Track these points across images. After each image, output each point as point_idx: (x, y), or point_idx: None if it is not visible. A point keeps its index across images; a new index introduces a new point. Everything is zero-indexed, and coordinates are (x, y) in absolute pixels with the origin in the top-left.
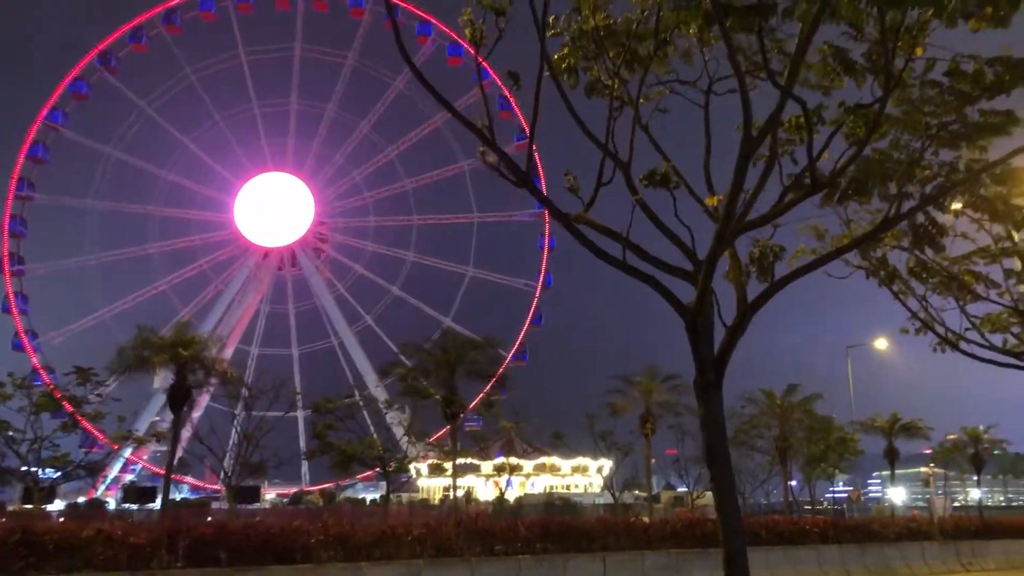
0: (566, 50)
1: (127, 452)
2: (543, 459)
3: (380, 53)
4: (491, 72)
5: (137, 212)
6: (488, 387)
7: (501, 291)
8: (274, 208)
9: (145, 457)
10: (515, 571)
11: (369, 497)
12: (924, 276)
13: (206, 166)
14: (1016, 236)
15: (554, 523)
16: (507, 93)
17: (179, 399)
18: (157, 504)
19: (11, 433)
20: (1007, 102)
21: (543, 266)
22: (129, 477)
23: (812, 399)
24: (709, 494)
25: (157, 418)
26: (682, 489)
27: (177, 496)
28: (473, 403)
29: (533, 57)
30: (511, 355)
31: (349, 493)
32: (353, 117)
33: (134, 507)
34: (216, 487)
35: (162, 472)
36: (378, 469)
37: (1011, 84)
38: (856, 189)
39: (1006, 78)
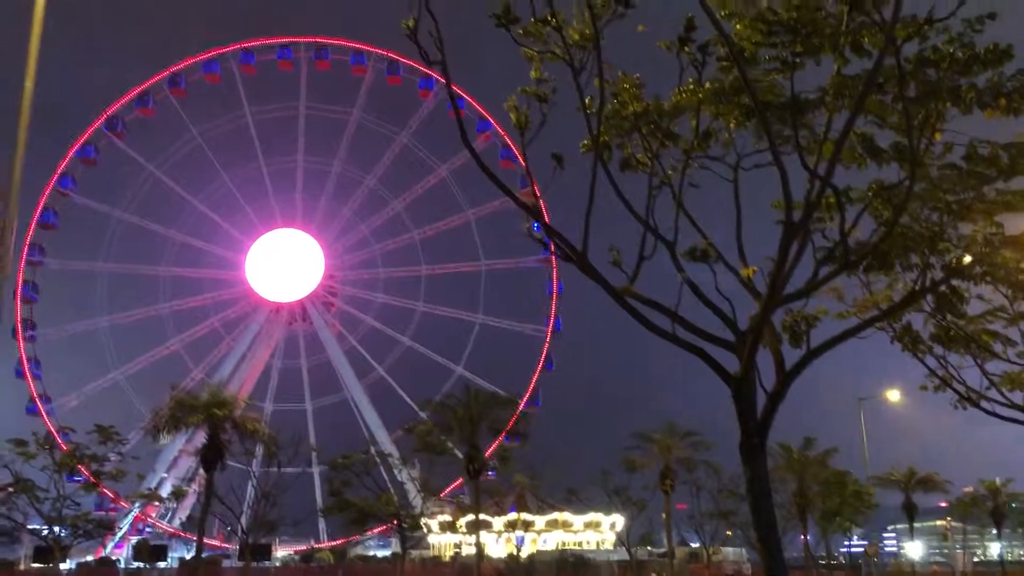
0: (599, 131)
1: (135, 510)
2: (555, 515)
3: (383, 108)
4: (492, 121)
5: (147, 273)
6: (503, 436)
7: (511, 338)
8: (284, 263)
9: (154, 515)
10: None
11: (380, 554)
12: (946, 341)
13: (215, 225)
14: None
15: None
16: (509, 141)
17: (212, 458)
18: (166, 563)
19: (36, 492)
20: (1020, 182)
21: (552, 311)
22: (135, 537)
23: (829, 453)
24: (725, 549)
25: (165, 475)
26: (695, 544)
27: (186, 555)
28: (488, 450)
29: (559, 134)
30: (524, 402)
31: (359, 550)
32: (359, 172)
33: (144, 565)
34: (225, 545)
35: (170, 530)
36: (393, 524)
37: None
38: (879, 262)
39: (1020, 162)
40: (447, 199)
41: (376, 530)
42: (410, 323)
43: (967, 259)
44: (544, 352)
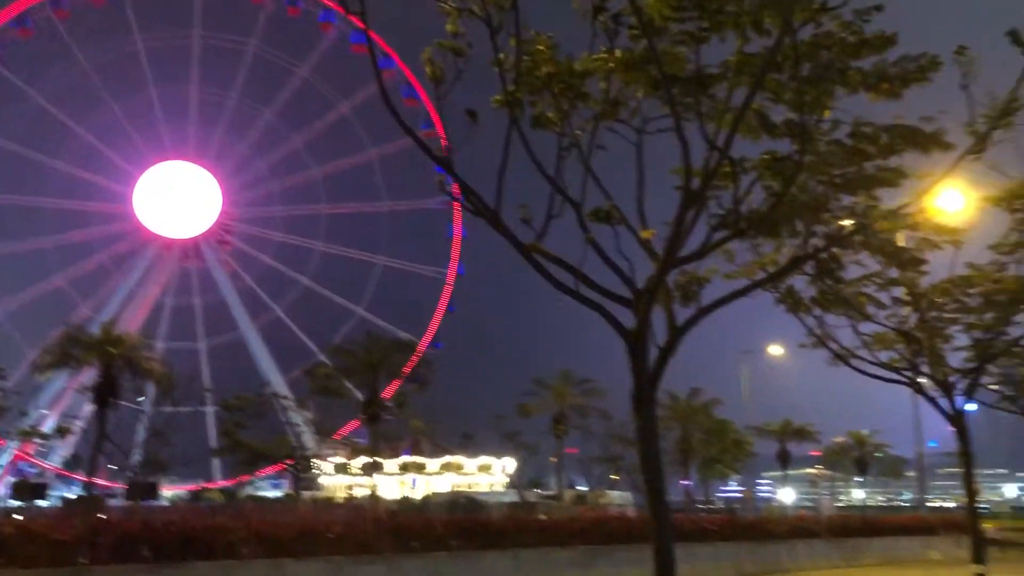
0: (513, 88)
1: (13, 448)
2: (449, 458)
3: (282, 40)
4: (395, 58)
5: (30, 205)
6: (402, 379)
7: (413, 280)
8: (177, 198)
9: (33, 453)
10: (432, 568)
11: (271, 495)
12: (824, 303)
13: (103, 156)
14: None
15: (469, 521)
16: (412, 80)
17: (105, 396)
18: (47, 502)
19: None
20: (897, 160)
21: (455, 254)
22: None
23: (713, 404)
24: (610, 492)
25: (47, 412)
26: (582, 488)
27: (68, 494)
28: (387, 392)
29: (474, 92)
30: (425, 343)
31: (250, 491)
32: (257, 105)
33: (23, 504)
34: (110, 484)
35: (51, 468)
36: (286, 465)
37: (901, 147)
38: (768, 229)
39: (898, 142)
40: (349, 137)
41: (268, 471)
42: (309, 263)
43: (847, 223)
44: (446, 295)
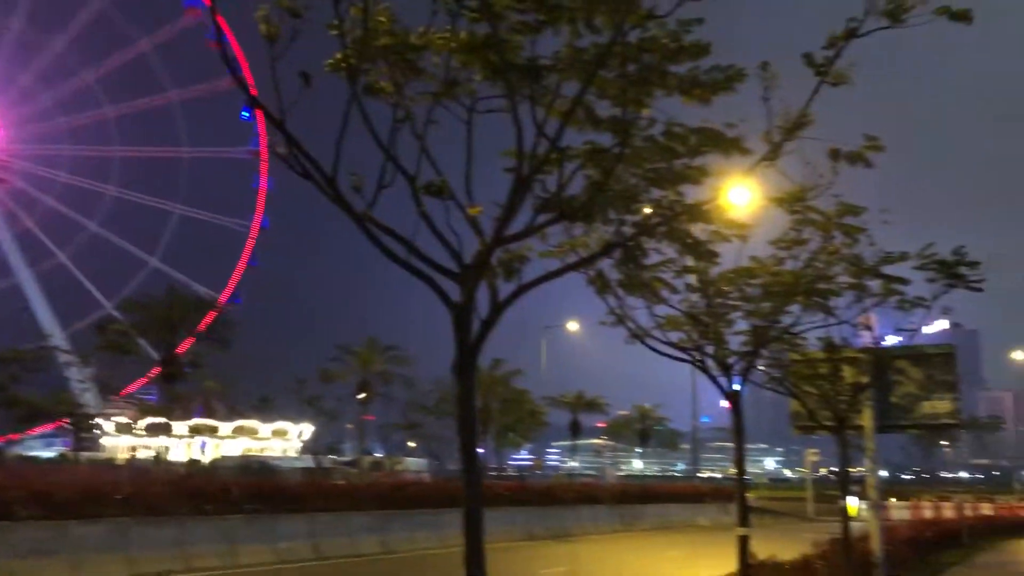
0: (347, 52)
1: None
2: (242, 422)
3: None
4: None
5: None
6: (198, 335)
7: (214, 231)
8: None
9: None
10: (225, 531)
11: (44, 455)
12: (627, 286)
13: None
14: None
15: (265, 485)
16: (220, 21)
17: None
18: None
19: None
20: (702, 160)
21: (260, 206)
22: None
23: (514, 374)
24: (407, 460)
25: None
26: (379, 454)
27: None
28: (181, 348)
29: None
30: (225, 297)
31: (19, 450)
32: (43, 34)
33: None
34: None
35: None
36: (64, 423)
37: (706, 149)
38: (585, 215)
39: (703, 144)
40: (149, 76)
41: (40, 429)
42: (99, 208)
43: (647, 210)
44: (248, 248)
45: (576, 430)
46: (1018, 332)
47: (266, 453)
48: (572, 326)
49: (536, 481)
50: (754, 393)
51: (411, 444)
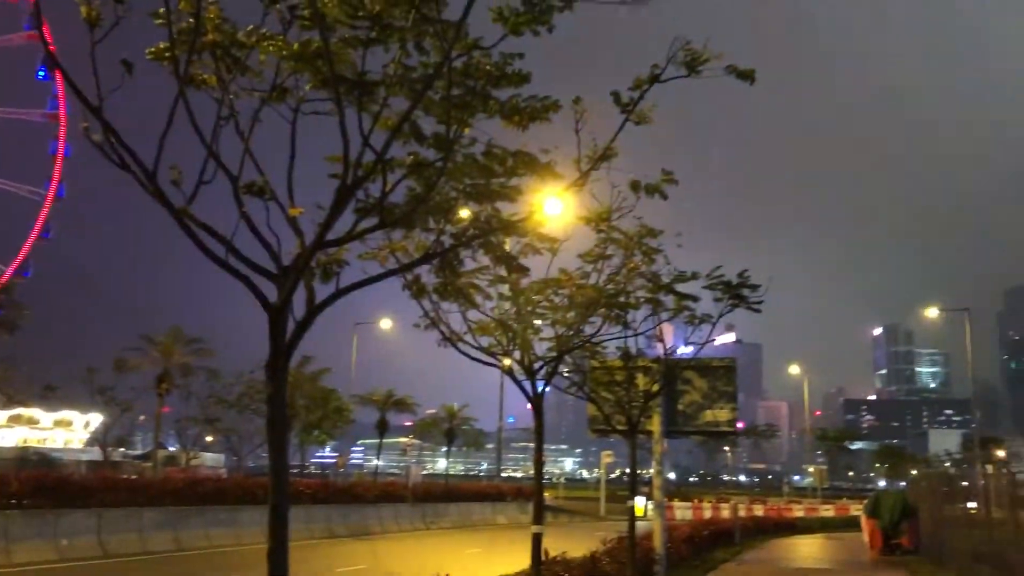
0: (171, 42)
1: None
2: (21, 410)
3: None
4: None
5: None
6: None
7: (3, 199)
8: None
9: None
10: (1, 527)
11: None
12: (442, 292)
13: None
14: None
15: (48, 478)
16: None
17: None
18: None
19: None
20: (518, 180)
21: (56, 174)
22: None
23: (322, 373)
24: (204, 454)
25: None
26: (173, 448)
27: None
28: None
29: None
30: (11, 270)
31: None
32: None
33: None
34: None
35: None
36: None
37: (522, 171)
38: (406, 223)
39: (519, 166)
40: None
41: None
42: None
43: (464, 213)
44: (41, 218)
45: (384, 429)
46: (796, 347)
47: (47, 444)
48: (385, 324)
49: (339, 479)
50: (557, 396)
51: (209, 439)
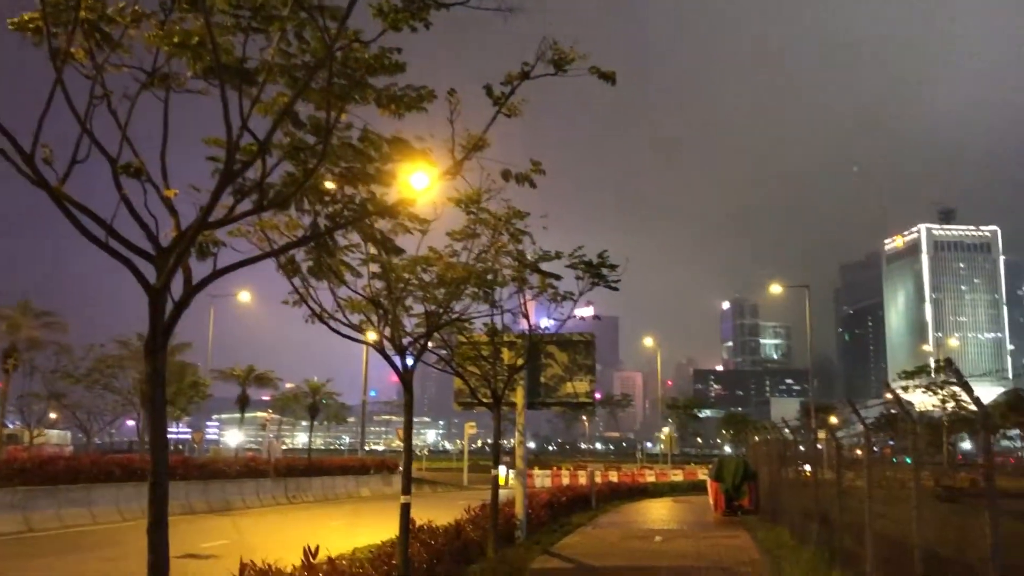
0: (38, 13)
1: None
2: None
3: None
4: None
5: None
6: None
7: None
8: None
9: None
10: None
11: None
12: (316, 272)
13: None
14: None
15: None
16: None
17: None
18: None
19: None
20: (393, 165)
21: None
22: None
23: (183, 347)
24: (49, 432)
25: None
26: (14, 425)
27: None
28: None
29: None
30: None
31: None
32: None
33: None
34: None
35: None
36: None
37: (397, 158)
38: (283, 205)
39: (394, 153)
40: None
41: None
42: None
43: (329, 185)
44: None
45: (244, 403)
46: (651, 320)
47: None
48: (244, 297)
49: (197, 455)
50: (421, 369)
51: (53, 416)
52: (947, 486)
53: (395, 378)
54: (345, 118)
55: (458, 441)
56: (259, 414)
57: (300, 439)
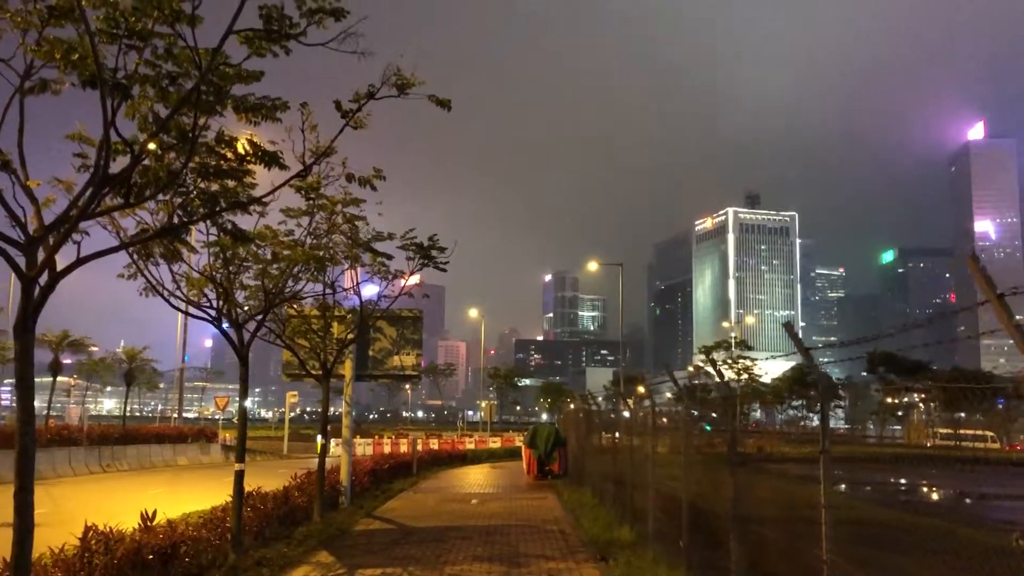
0: None
1: None
2: None
3: None
4: None
5: None
6: None
7: None
8: None
9: None
10: None
11: None
12: (170, 257)
13: None
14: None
15: None
16: None
17: None
18: None
19: None
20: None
21: None
22: None
23: None
24: None
25: None
26: None
27: None
28: None
29: None
30: None
31: None
32: None
33: None
34: None
35: None
36: None
37: (251, 159)
38: (136, 195)
39: (249, 155)
40: None
41: None
42: None
43: (152, 146)
44: None
45: (57, 369)
46: (476, 289)
47: None
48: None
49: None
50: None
51: None
52: (738, 452)
53: (207, 344)
54: (206, 122)
55: (276, 410)
56: (64, 379)
57: (105, 405)
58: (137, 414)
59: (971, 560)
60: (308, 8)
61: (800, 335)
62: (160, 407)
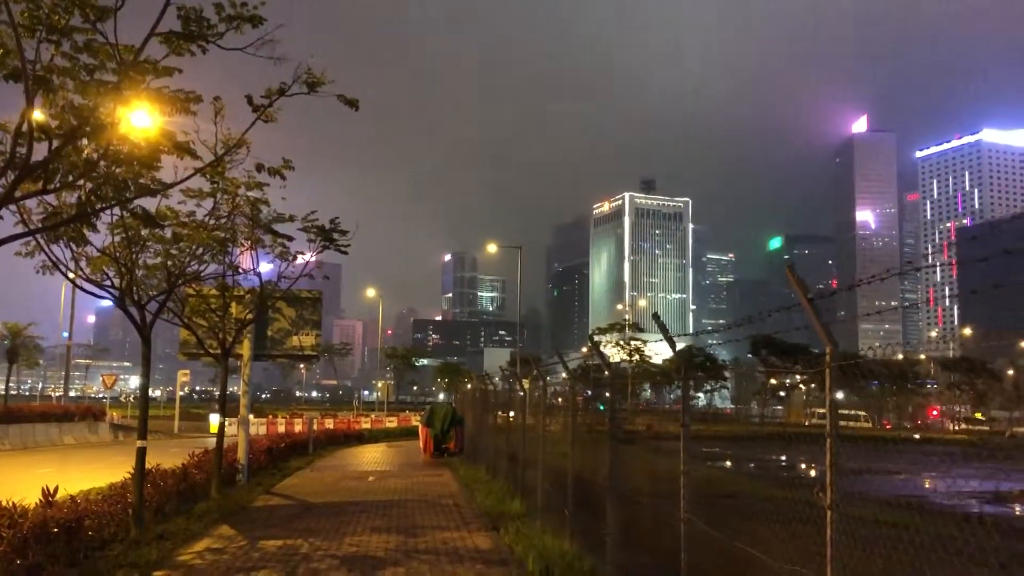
0: None
1: None
2: None
3: None
4: None
5: None
6: None
7: None
8: None
9: None
10: None
11: None
12: (76, 240)
13: None
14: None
15: None
16: None
17: None
18: None
19: None
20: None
21: None
22: None
23: None
24: None
25: None
26: None
27: None
28: None
29: None
30: None
31: None
32: None
33: None
34: None
35: None
36: None
37: (164, 148)
38: (52, 180)
39: (161, 144)
40: None
41: None
42: None
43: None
44: None
45: None
46: (374, 268)
47: None
48: None
49: None
50: (119, 314)
51: None
52: (628, 430)
53: (90, 319)
54: (118, 111)
55: (164, 388)
56: None
57: None
58: (14, 392)
59: (786, 514)
60: (227, 14)
61: (690, 317)
62: (40, 385)
